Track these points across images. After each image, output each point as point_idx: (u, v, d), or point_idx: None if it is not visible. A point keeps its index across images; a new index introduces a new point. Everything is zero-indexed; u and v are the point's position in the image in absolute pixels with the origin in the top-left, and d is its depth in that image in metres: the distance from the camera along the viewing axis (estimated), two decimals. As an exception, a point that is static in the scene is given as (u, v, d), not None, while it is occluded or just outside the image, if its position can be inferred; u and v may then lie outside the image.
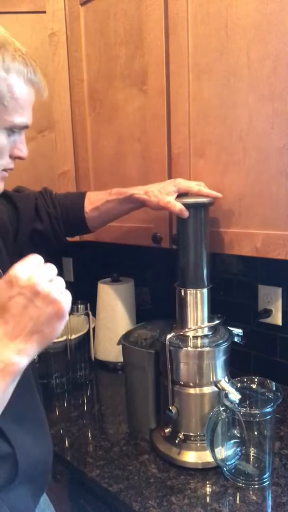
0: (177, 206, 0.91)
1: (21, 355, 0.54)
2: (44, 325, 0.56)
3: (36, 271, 0.56)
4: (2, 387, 0.53)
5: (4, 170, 0.72)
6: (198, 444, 0.94)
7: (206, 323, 0.96)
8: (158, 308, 1.55)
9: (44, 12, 1.21)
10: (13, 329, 0.54)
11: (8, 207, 0.93)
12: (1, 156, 0.69)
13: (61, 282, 0.59)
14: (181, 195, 0.94)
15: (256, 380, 0.95)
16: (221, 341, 0.95)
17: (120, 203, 1.00)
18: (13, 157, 0.72)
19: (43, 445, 0.79)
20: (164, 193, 0.93)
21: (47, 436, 0.82)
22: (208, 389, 0.94)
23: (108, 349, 1.42)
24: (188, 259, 0.94)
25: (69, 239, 1.07)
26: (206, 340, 0.95)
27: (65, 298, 0.58)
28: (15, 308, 0.54)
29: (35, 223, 0.97)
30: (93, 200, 1.02)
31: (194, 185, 0.94)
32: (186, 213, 0.91)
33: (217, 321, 0.98)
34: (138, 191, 0.97)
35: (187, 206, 0.91)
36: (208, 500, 0.84)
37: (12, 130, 0.68)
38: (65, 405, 1.23)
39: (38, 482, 0.79)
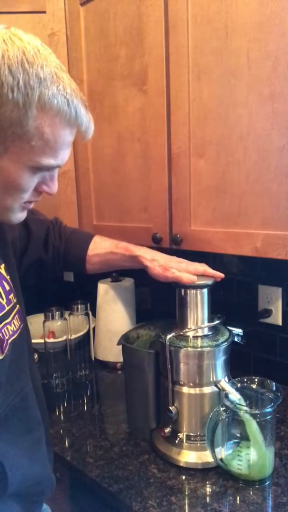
0: (184, 276, 0.91)
1: None
2: None
3: None
4: None
5: (29, 202, 0.69)
6: (198, 444, 0.94)
7: (206, 323, 0.96)
8: (158, 308, 1.55)
9: (44, 12, 1.21)
10: None
11: (20, 227, 0.91)
12: (24, 191, 0.65)
13: None
14: None
15: (256, 380, 0.95)
16: (221, 341, 0.95)
17: (123, 259, 1.00)
18: (39, 192, 0.68)
19: (39, 467, 0.76)
20: (169, 265, 0.94)
21: (44, 458, 0.79)
22: (208, 389, 0.94)
23: (108, 349, 1.42)
24: None
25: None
26: (206, 340, 0.95)
27: None
28: None
29: (41, 252, 0.97)
30: (98, 246, 1.02)
31: (199, 267, 0.96)
32: (194, 278, 0.92)
33: (217, 321, 0.98)
34: (145, 255, 0.97)
35: (193, 287, 0.93)
36: (208, 500, 0.84)
37: (39, 169, 0.64)
38: (65, 405, 1.23)
39: (32, 500, 0.77)
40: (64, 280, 1.91)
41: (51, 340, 1.35)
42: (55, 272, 1.02)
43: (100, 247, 1.02)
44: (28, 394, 0.76)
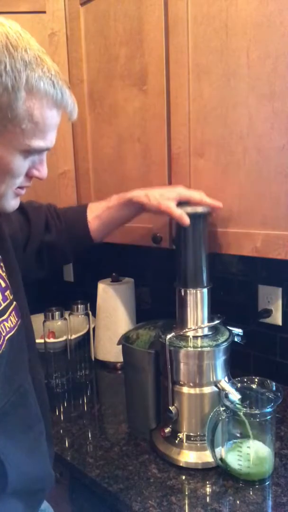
0: (178, 211, 0.90)
1: None
2: None
3: None
4: None
5: (20, 187, 0.70)
6: (198, 444, 0.94)
7: (206, 323, 0.96)
8: (158, 308, 1.55)
9: (44, 12, 1.21)
10: None
11: (19, 217, 0.92)
12: (16, 176, 0.66)
13: None
14: (181, 203, 0.94)
15: (256, 380, 0.95)
16: (221, 341, 0.95)
17: (120, 208, 0.99)
18: (29, 177, 0.70)
19: (39, 464, 0.77)
20: (165, 198, 0.93)
21: (45, 455, 0.80)
22: (208, 389, 0.94)
23: (108, 349, 1.42)
24: (186, 263, 0.95)
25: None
26: (206, 340, 0.95)
27: None
28: None
29: (44, 235, 0.96)
30: (94, 209, 1.01)
31: (196, 194, 0.94)
32: (187, 220, 0.90)
33: (217, 321, 0.98)
34: (138, 194, 0.96)
35: (188, 215, 0.90)
36: (208, 500, 0.84)
37: (30, 152, 0.65)
38: (65, 405, 1.23)
39: (33, 497, 0.77)
40: (64, 280, 1.91)
41: (51, 340, 1.35)
42: (64, 253, 1.00)
43: (97, 209, 1.01)
44: (27, 391, 0.76)
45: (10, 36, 0.58)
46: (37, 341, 1.38)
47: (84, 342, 1.42)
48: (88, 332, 1.42)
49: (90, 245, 1.03)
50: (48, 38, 1.22)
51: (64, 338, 1.36)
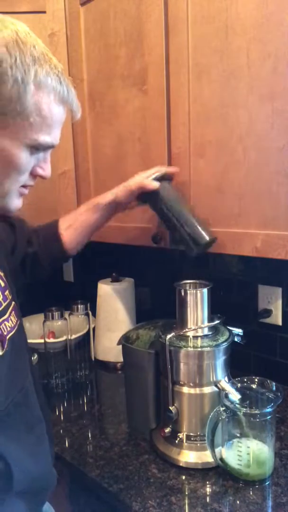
0: (147, 180, 0.96)
1: None
2: None
3: None
4: None
5: (24, 186, 0.70)
6: (198, 444, 0.94)
7: (206, 323, 0.96)
8: (158, 308, 1.55)
9: (44, 12, 1.21)
10: None
11: (6, 227, 0.93)
12: (22, 172, 0.67)
13: None
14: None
15: (256, 380, 0.95)
16: (221, 341, 0.95)
17: (90, 214, 1.01)
18: (33, 175, 0.70)
19: (42, 463, 0.77)
20: (131, 182, 0.98)
21: (47, 454, 0.80)
22: (208, 389, 0.94)
23: (108, 349, 1.42)
24: (178, 219, 0.96)
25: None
26: (206, 340, 0.95)
27: None
28: None
29: (28, 247, 0.98)
30: (66, 221, 1.02)
31: (152, 170, 0.99)
32: (156, 183, 0.96)
33: (217, 321, 0.98)
34: (104, 195, 1.01)
35: (154, 179, 0.97)
36: (208, 500, 0.84)
37: (36, 148, 0.66)
38: (65, 405, 1.23)
39: (36, 497, 0.77)
40: (64, 280, 1.91)
41: (51, 340, 1.35)
42: (43, 266, 1.00)
43: (68, 220, 1.02)
44: (29, 391, 0.76)
45: (20, 33, 0.60)
46: (37, 341, 1.39)
47: (84, 342, 1.42)
48: (88, 332, 1.42)
49: (65, 257, 1.04)
50: (48, 38, 1.22)
51: (64, 338, 1.36)
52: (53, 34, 1.22)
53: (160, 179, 0.98)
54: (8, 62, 0.58)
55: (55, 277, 1.91)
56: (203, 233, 0.94)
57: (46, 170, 0.71)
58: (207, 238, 0.94)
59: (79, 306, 1.38)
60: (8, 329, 0.72)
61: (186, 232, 0.95)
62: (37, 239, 1.00)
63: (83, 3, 1.18)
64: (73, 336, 1.38)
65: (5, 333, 0.70)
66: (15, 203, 0.71)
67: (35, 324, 1.57)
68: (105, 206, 1.01)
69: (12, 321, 0.74)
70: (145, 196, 0.99)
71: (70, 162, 1.28)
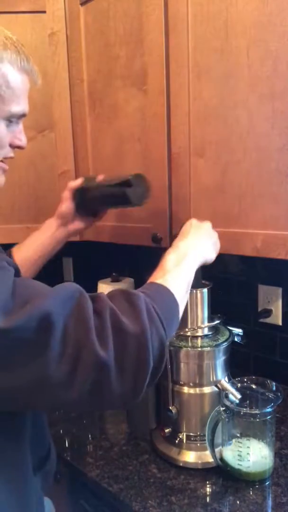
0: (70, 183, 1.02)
1: None
2: None
3: None
4: None
5: (4, 162, 0.73)
6: (198, 444, 0.94)
7: (206, 323, 0.96)
8: (158, 308, 1.54)
9: (44, 12, 1.21)
10: None
11: None
12: (1, 146, 0.71)
13: None
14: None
15: (256, 380, 0.95)
16: (221, 341, 0.95)
17: (44, 232, 1.01)
18: (13, 147, 0.74)
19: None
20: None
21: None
22: (208, 389, 0.94)
23: (108, 349, 1.41)
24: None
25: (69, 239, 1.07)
26: (206, 340, 0.95)
27: None
28: None
29: None
30: (16, 248, 1.00)
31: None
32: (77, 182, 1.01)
33: (217, 321, 0.98)
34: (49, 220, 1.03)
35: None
36: (208, 500, 0.84)
37: (10, 120, 0.69)
38: (65, 405, 1.23)
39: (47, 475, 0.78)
40: (64, 280, 1.91)
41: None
42: None
43: (18, 247, 1.00)
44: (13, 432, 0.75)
45: None
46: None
47: (84, 342, 1.41)
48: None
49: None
50: (48, 38, 1.22)
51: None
52: (53, 34, 1.22)
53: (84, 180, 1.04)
54: None
55: (55, 277, 1.91)
56: (120, 182, 0.96)
57: (23, 139, 0.75)
58: (124, 184, 0.95)
59: (79, 306, 1.38)
60: None
61: (114, 193, 0.97)
62: None
63: (83, 3, 1.18)
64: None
65: None
66: None
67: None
68: (52, 225, 1.02)
69: None
70: (78, 200, 1.02)
71: (70, 162, 1.28)
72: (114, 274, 1.45)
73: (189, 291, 0.73)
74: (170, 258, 0.75)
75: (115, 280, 1.45)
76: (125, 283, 1.43)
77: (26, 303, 0.52)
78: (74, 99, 1.25)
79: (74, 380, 0.52)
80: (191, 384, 0.94)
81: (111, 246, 1.28)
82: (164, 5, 0.98)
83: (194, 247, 0.78)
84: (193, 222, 0.86)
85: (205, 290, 0.96)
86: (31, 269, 0.99)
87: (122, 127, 1.15)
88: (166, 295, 0.66)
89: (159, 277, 0.70)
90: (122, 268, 1.53)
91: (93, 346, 0.53)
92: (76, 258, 1.86)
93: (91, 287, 1.48)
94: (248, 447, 0.89)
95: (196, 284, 0.94)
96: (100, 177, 1.03)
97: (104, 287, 1.42)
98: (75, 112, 1.25)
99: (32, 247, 1.00)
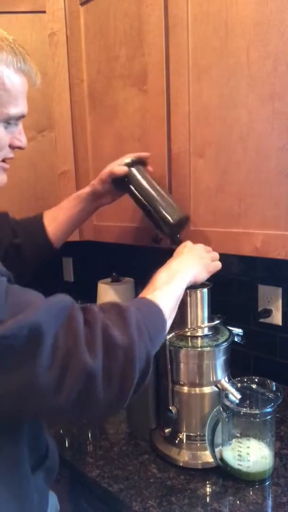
0: (116, 166, 0.97)
1: None
2: None
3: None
4: None
5: (4, 161, 0.74)
6: (198, 444, 0.94)
7: (206, 323, 0.97)
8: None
9: (44, 12, 1.21)
10: None
11: None
12: (1, 148, 0.71)
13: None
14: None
15: (256, 380, 0.95)
16: (221, 341, 0.95)
17: (72, 206, 1.03)
18: (12, 147, 0.74)
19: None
20: (104, 171, 1.00)
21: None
22: (208, 389, 0.94)
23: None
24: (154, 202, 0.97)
25: (69, 239, 1.07)
26: (206, 340, 0.95)
27: None
28: None
29: (13, 238, 0.97)
30: (49, 214, 1.03)
31: (124, 157, 1.01)
32: (123, 168, 0.97)
33: (217, 321, 0.98)
34: (86, 187, 1.03)
35: (125, 164, 0.98)
36: (208, 500, 0.84)
37: (8, 121, 0.69)
38: (65, 405, 1.23)
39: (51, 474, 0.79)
40: (64, 280, 1.91)
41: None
42: (27, 259, 0.99)
43: (51, 213, 1.03)
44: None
45: None
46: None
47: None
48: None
49: (50, 249, 1.03)
50: (48, 38, 1.22)
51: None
52: (53, 34, 1.22)
53: (131, 164, 0.99)
54: None
55: (55, 277, 1.91)
56: (170, 214, 0.95)
57: (22, 140, 0.75)
58: (172, 220, 0.95)
59: (79, 306, 1.38)
60: None
61: (156, 213, 0.96)
62: (22, 230, 1.00)
63: (83, 3, 1.18)
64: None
65: None
66: (0, 178, 0.75)
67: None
68: (85, 198, 1.02)
69: None
70: (118, 182, 0.99)
71: (70, 162, 1.28)
72: (114, 274, 1.45)
73: (176, 308, 0.76)
74: (162, 276, 0.79)
75: (115, 280, 1.45)
76: (125, 283, 1.43)
77: (18, 312, 0.54)
78: (74, 99, 1.25)
79: (62, 387, 0.54)
80: (191, 384, 0.94)
81: (111, 246, 1.28)
82: (164, 5, 0.98)
83: (185, 267, 0.82)
84: (187, 244, 0.89)
85: (205, 290, 0.96)
86: (62, 238, 1.04)
87: (122, 127, 1.15)
88: (155, 311, 0.68)
89: (149, 293, 0.73)
90: (122, 268, 1.53)
91: (82, 355, 0.54)
92: (76, 258, 1.86)
93: (91, 287, 1.48)
94: (248, 447, 0.89)
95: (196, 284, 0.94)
96: (150, 169, 1.02)
97: (104, 287, 1.42)
98: (75, 112, 1.25)
99: (66, 221, 1.03)
